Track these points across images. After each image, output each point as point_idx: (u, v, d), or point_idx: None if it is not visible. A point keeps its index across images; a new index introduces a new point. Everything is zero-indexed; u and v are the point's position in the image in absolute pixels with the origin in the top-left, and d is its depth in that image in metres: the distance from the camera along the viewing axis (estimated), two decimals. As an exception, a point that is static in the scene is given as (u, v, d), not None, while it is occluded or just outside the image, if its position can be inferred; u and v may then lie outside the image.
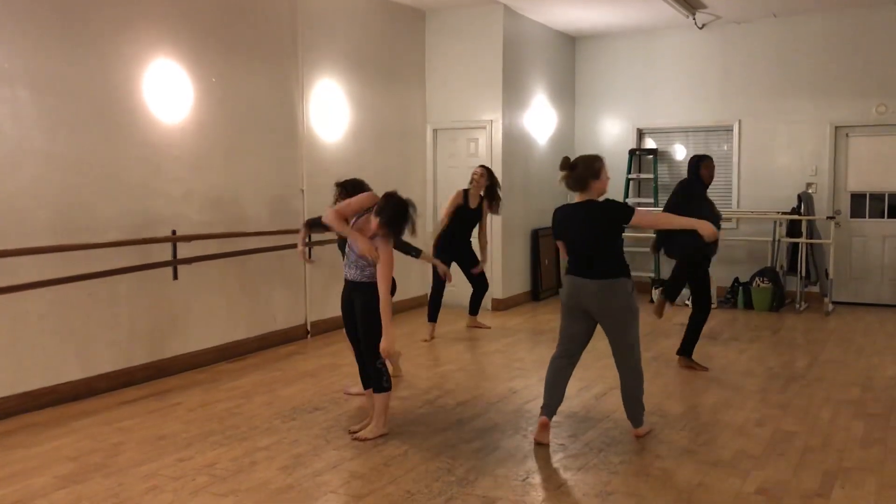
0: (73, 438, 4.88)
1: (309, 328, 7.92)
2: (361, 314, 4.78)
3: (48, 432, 5.00)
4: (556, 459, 4.53)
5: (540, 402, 5.68)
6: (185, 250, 6.52)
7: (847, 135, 9.86)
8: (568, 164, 4.69)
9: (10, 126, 5.29)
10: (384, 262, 4.62)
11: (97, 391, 5.84)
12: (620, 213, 4.61)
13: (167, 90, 6.36)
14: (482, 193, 7.96)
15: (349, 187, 5.48)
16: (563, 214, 4.79)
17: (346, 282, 4.89)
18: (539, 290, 10.28)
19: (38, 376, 5.49)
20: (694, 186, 6.63)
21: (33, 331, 5.46)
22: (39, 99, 5.45)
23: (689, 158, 6.95)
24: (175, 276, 6.49)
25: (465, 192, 7.94)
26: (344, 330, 5.10)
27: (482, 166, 8.09)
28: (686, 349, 6.67)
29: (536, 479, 4.24)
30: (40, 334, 5.51)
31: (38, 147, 5.46)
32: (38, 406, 5.44)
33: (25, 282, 5.31)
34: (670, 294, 6.95)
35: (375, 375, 4.82)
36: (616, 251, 4.70)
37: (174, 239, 6.41)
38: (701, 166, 6.65)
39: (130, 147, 6.09)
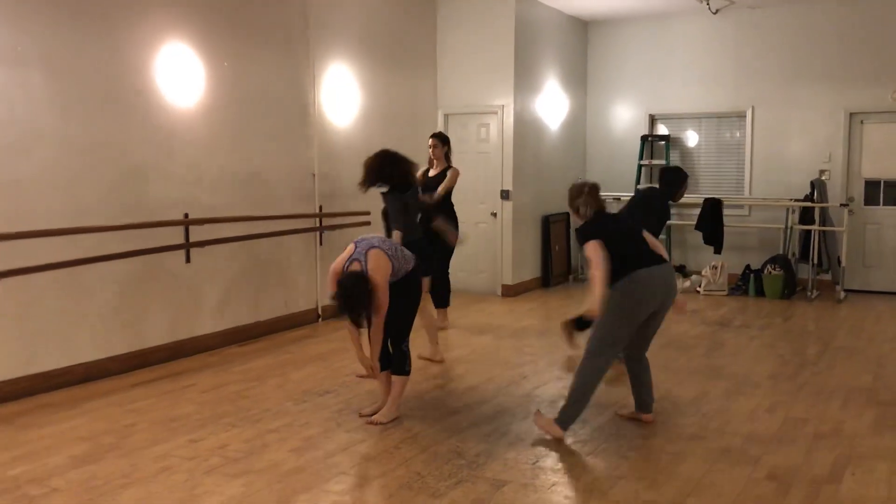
0: (87, 419, 4.93)
1: (320, 312, 7.95)
2: (399, 298, 4.77)
3: (62, 413, 5.05)
4: (566, 444, 4.54)
5: (550, 387, 5.71)
6: (197, 233, 6.54)
7: (862, 121, 9.78)
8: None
9: (23, 109, 5.30)
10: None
11: (110, 373, 5.88)
12: (579, 235, 4.65)
13: (179, 74, 6.36)
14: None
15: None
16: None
17: None
18: (549, 277, 10.27)
19: (52, 357, 5.54)
20: (658, 200, 6.24)
21: (47, 312, 5.50)
22: (52, 82, 5.46)
23: (666, 169, 6.50)
24: (188, 260, 6.51)
25: (426, 172, 7.35)
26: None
27: (433, 135, 7.50)
28: None
29: (546, 462, 4.26)
30: (54, 316, 5.55)
31: (51, 130, 5.48)
32: (51, 387, 5.49)
33: (38, 264, 5.35)
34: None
35: (399, 358, 4.85)
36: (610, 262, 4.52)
37: (186, 222, 6.43)
38: (681, 185, 6.23)
39: (142, 130, 6.11)
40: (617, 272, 4.45)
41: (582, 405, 4.61)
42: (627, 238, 4.64)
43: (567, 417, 4.60)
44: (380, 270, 4.56)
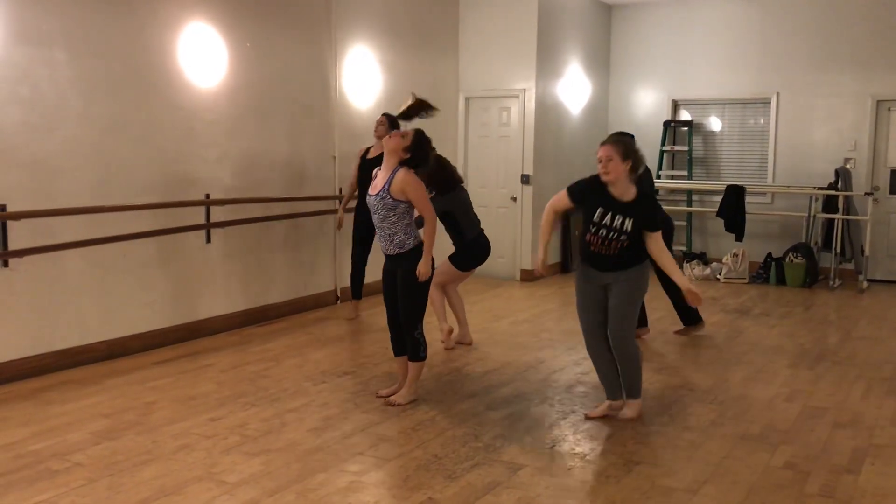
0: (108, 396, 4.99)
1: (339, 294, 7.98)
2: (402, 284, 4.79)
3: (84, 389, 5.11)
4: (583, 429, 4.54)
5: (567, 372, 5.71)
6: (218, 214, 6.58)
7: (889, 109, 9.63)
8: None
9: (48, 87, 5.34)
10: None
11: (131, 351, 5.94)
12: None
13: (202, 54, 6.38)
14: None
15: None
16: None
17: (386, 256, 4.90)
18: (569, 262, 10.24)
19: (74, 335, 5.60)
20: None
21: (69, 290, 5.56)
22: (76, 61, 5.49)
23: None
24: (208, 240, 6.55)
25: (367, 148, 7.13)
26: (382, 297, 5.06)
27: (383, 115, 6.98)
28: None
29: (563, 447, 4.26)
30: (76, 294, 5.61)
31: (75, 109, 5.51)
32: (73, 364, 5.56)
33: (61, 242, 5.40)
34: None
35: (413, 345, 4.85)
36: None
37: (208, 202, 6.47)
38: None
39: (165, 110, 6.13)
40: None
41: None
42: None
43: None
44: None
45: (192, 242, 6.44)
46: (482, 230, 6.33)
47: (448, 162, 6.19)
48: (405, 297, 4.78)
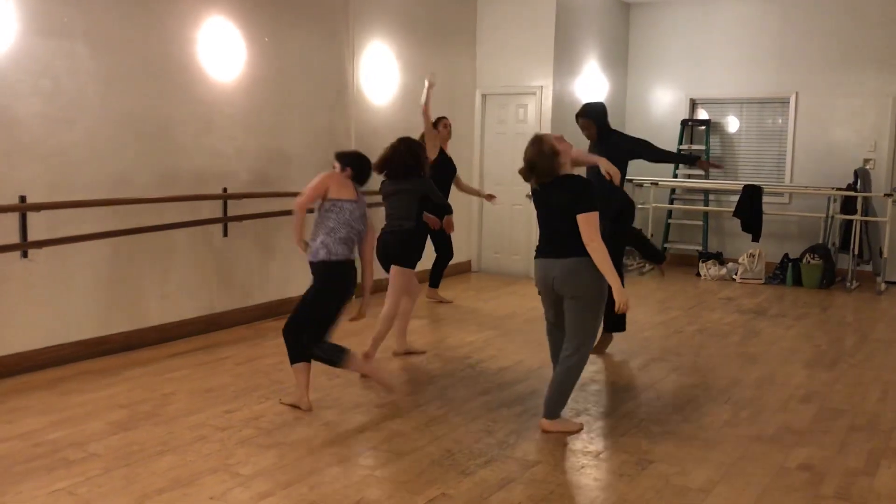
0: (126, 387, 5.03)
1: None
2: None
3: (101, 380, 5.16)
4: (597, 426, 4.54)
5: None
6: (235, 208, 6.61)
7: (910, 109, 9.56)
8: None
9: (68, 80, 5.39)
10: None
11: (148, 342, 5.99)
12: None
13: (220, 48, 6.41)
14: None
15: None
16: None
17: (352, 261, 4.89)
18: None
19: (92, 326, 5.65)
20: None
21: (87, 282, 5.61)
22: (96, 54, 5.53)
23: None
24: (225, 234, 6.59)
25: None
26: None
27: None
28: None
29: (576, 445, 4.26)
30: (94, 286, 5.65)
31: (94, 101, 5.56)
32: (91, 355, 5.61)
33: (79, 234, 5.44)
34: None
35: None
36: None
37: (225, 196, 6.50)
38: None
39: (183, 104, 6.17)
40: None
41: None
42: None
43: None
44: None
45: (210, 236, 6.48)
46: (384, 226, 5.81)
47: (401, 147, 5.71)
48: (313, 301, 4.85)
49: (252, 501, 3.48)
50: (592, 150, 5.79)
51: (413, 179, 5.66)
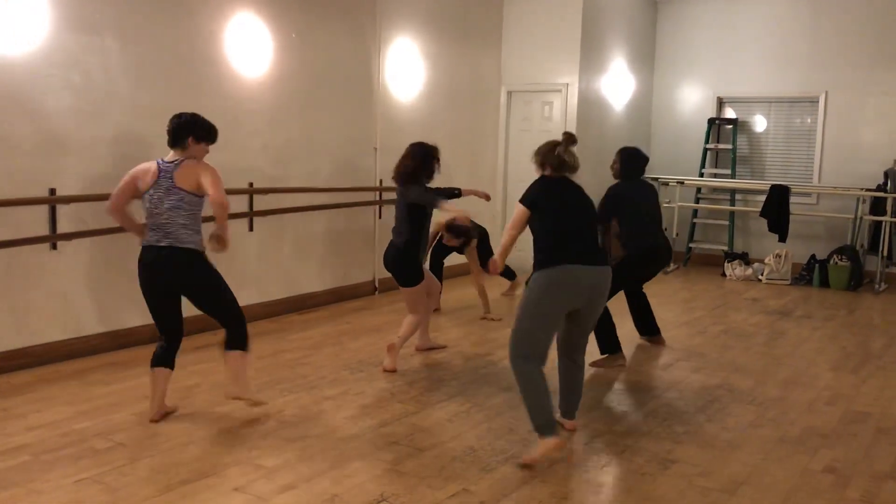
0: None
1: (377, 285, 8.03)
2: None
3: (127, 371, 5.22)
4: (620, 426, 4.52)
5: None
6: (260, 203, 6.65)
7: (941, 110, 9.40)
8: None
9: (99, 74, 5.45)
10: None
11: (173, 335, 6.03)
12: None
13: (248, 44, 6.45)
14: None
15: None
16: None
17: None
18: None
19: (119, 318, 5.71)
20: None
21: (115, 274, 5.66)
22: (126, 49, 5.59)
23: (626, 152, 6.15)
24: (251, 228, 6.63)
25: None
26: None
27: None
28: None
29: (598, 443, 4.25)
30: (121, 278, 5.70)
31: (124, 95, 5.61)
32: (117, 346, 5.67)
33: (107, 227, 5.49)
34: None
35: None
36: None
37: (250, 191, 6.55)
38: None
39: (211, 99, 6.21)
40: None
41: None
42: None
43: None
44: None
45: (235, 230, 6.50)
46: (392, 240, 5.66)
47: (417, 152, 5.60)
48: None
49: (275, 493, 3.51)
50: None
51: (406, 185, 5.43)
